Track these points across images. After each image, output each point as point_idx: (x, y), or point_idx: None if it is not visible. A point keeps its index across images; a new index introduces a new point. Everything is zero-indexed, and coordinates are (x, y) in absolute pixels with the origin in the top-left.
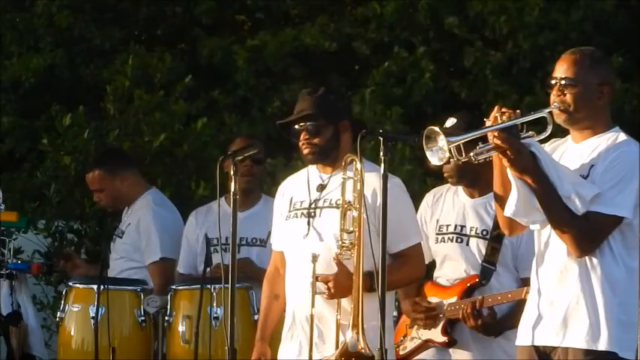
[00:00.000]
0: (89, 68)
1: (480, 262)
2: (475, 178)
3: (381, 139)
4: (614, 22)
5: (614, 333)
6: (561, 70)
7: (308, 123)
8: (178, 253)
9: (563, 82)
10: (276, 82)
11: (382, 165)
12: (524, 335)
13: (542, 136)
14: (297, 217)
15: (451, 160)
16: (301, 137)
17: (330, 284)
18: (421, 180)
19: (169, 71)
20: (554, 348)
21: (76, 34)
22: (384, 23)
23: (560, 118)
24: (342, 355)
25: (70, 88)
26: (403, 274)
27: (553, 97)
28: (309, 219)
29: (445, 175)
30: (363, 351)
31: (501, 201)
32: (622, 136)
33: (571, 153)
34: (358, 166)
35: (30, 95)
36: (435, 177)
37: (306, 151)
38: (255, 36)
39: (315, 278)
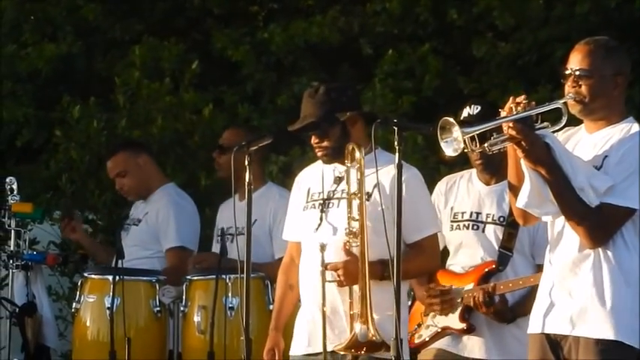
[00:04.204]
0: (105, 59)
1: (496, 248)
2: (499, 166)
3: (396, 128)
4: (620, 14)
5: (626, 323)
6: (576, 60)
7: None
8: (195, 244)
9: (577, 72)
10: (286, 74)
11: (397, 154)
12: (536, 323)
13: (556, 127)
14: (314, 207)
15: (466, 150)
16: (312, 140)
17: (340, 272)
18: (434, 169)
19: (177, 59)
20: (565, 336)
21: (93, 25)
22: (391, 17)
23: (575, 109)
24: (351, 346)
25: (85, 79)
26: (418, 264)
27: (568, 87)
28: (322, 213)
29: (475, 160)
30: (374, 338)
31: (515, 191)
32: (635, 127)
33: (585, 143)
34: (357, 155)
35: (46, 86)
36: (449, 166)
37: (319, 154)
38: (267, 27)
39: (325, 267)
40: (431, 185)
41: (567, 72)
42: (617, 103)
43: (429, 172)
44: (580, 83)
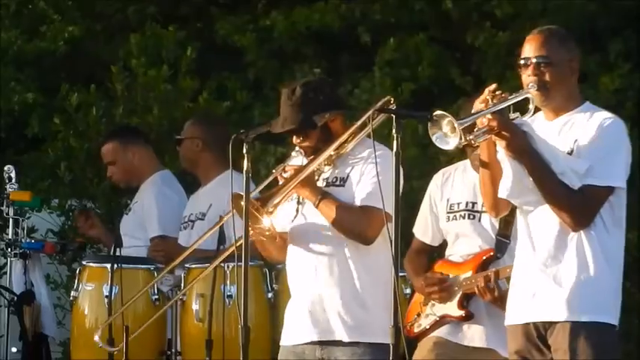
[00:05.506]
0: (109, 45)
1: (493, 236)
2: None
3: (394, 116)
4: (619, 2)
5: (609, 304)
6: (532, 49)
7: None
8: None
9: (536, 60)
10: (288, 61)
11: (395, 142)
12: (518, 313)
13: (526, 117)
14: (292, 199)
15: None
16: (293, 140)
17: (292, 168)
18: (434, 158)
19: (175, 46)
20: (553, 323)
21: (98, 10)
22: (388, 6)
23: (538, 98)
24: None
25: (90, 65)
26: (353, 218)
27: (527, 77)
28: (299, 205)
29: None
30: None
31: (486, 182)
32: (598, 110)
33: (546, 130)
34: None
35: (52, 71)
36: (447, 154)
37: (302, 152)
38: (269, 15)
39: (283, 168)
40: (430, 174)
41: (524, 62)
42: (574, 88)
43: (428, 160)
44: (542, 72)
